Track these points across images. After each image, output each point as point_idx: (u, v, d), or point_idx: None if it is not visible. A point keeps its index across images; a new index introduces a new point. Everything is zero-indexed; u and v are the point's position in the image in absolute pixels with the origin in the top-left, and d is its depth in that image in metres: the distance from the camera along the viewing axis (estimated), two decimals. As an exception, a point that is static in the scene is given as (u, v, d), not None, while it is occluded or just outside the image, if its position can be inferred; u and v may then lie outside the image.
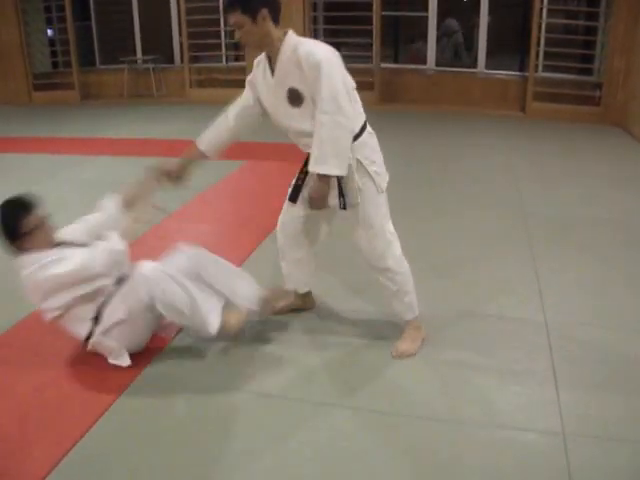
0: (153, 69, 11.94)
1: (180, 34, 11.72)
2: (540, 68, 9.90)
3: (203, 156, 3.40)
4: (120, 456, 2.59)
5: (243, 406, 2.91)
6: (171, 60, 12.28)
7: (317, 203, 3.01)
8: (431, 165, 6.76)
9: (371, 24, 10.40)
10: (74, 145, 8.43)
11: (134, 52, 12.36)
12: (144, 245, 4.77)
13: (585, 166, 7.16)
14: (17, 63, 11.93)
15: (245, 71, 11.12)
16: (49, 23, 12.47)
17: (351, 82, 2.97)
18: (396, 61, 11.57)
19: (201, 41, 11.67)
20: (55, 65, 12.67)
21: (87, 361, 3.24)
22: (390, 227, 3.16)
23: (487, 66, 10.49)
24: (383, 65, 10.69)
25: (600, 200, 5.87)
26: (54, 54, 12.58)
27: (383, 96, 10.63)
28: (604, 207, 5.67)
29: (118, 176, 6.78)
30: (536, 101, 9.78)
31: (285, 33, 2.99)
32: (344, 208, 3.04)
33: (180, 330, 3.46)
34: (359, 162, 2.98)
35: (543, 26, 9.68)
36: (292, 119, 3.02)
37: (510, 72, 10.56)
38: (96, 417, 2.79)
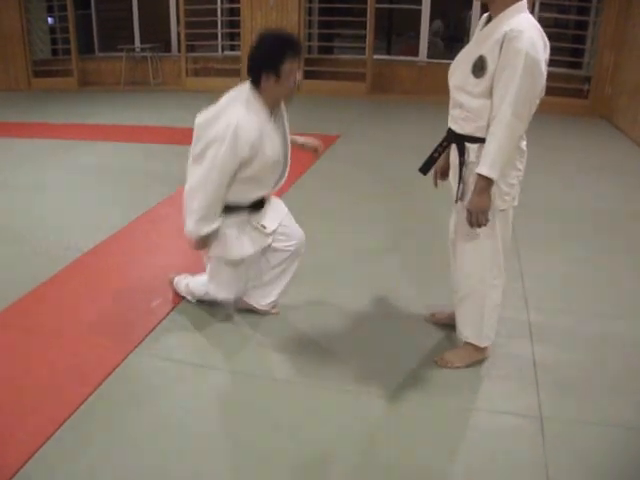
0: (151, 57, 12.09)
1: (178, 23, 11.86)
2: (531, 61, 10.02)
3: None
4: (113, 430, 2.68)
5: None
6: (168, 49, 12.43)
7: (478, 217, 2.72)
8: (422, 153, 6.76)
9: (365, 16, 10.56)
10: (71, 130, 8.55)
11: (132, 41, 12.51)
12: (137, 229, 4.93)
13: (570, 156, 7.31)
14: (17, 50, 12.07)
15: (240, 60, 11.29)
16: (50, 11, 12.60)
17: (543, 91, 2.63)
18: (389, 53, 11.71)
19: (198, 31, 11.80)
20: (55, 52, 12.82)
21: (83, 339, 3.34)
22: (489, 253, 2.90)
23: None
24: (376, 57, 10.84)
25: (583, 188, 6.03)
26: (54, 41, 12.73)
27: (375, 87, 10.80)
28: (586, 195, 5.82)
29: (114, 161, 6.96)
30: (526, 94, 9.90)
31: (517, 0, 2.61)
32: (456, 201, 2.89)
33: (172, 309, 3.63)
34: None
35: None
36: (461, 85, 2.74)
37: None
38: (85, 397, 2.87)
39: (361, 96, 10.71)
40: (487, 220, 2.74)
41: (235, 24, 11.75)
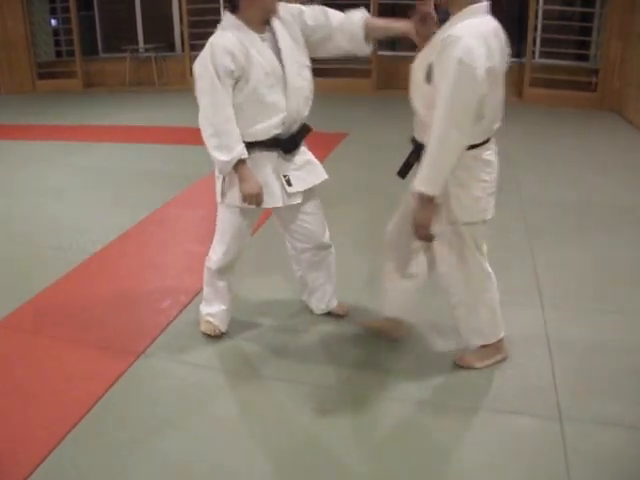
0: (155, 57, 12.05)
1: (181, 22, 11.82)
2: (537, 54, 9.98)
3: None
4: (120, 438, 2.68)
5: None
6: (172, 48, 12.39)
7: (419, 231, 2.65)
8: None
9: (368, 11, 10.41)
10: (77, 132, 8.53)
11: (136, 41, 12.47)
12: (143, 230, 4.90)
13: (581, 151, 7.21)
14: (21, 52, 12.06)
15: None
16: (53, 13, 12.59)
17: (484, 98, 2.49)
18: (393, 49, 11.63)
19: (202, 30, 11.75)
20: (59, 54, 12.80)
21: (88, 340, 3.33)
22: (466, 262, 2.83)
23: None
24: (380, 52, 10.77)
25: (593, 183, 5.94)
26: (58, 43, 12.72)
27: (381, 83, 10.75)
28: (599, 190, 5.73)
29: (120, 163, 6.94)
30: (533, 87, 9.85)
31: (475, 3, 2.55)
32: None
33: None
34: None
35: (540, 12, 9.75)
36: (416, 90, 2.68)
37: (507, 58, 10.60)
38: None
39: (367, 93, 10.66)
40: (431, 236, 2.65)
41: (239, 22, 11.65)
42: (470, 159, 2.62)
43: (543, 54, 9.99)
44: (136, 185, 6.10)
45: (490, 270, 2.91)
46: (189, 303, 3.67)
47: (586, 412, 2.72)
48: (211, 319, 3.33)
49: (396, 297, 3.16)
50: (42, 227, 4.94)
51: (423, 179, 2.53)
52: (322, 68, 11.30)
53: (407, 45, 4.02)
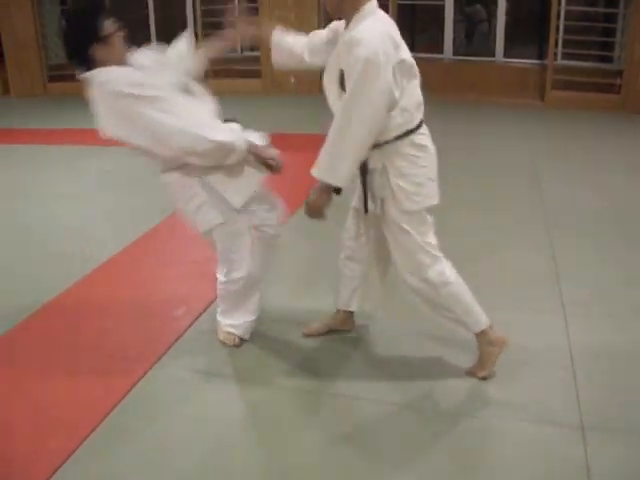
0: (168, 60, 11.89)
1: (195, 24, 11.68)
2: (559, 56, 9.78)
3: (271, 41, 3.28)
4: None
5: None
6: (186, 50, 12.24)
7: (312, 212, 2.78)
8: (448, 154, 6.60)
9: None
10: (89, 136, 8.33)
11: (149, 43, 12.28)
12: (157, 236, 4.77)
13: (605, 155, 7.03)
14: (32, 54, 11.95)
15: (260, 61, 11.10)
16: (64, 14, 12.47)
17: (392, 93, 2.57)
18: (412, 50, 11.47)
19: (216, 31, 11.61)
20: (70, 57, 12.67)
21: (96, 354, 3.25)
22: (419, 254, 2.83)
23: (506, 54, 10.36)
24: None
25: (620, 190, 5.77)
26: (69, 45, 12.59)
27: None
28: (624, 195, 5.60)
29: (133, 166, 6.78)
30: (555, 89, 9.65)
31: (366, 3, 2.63)
32: (366, 212, 2.86)
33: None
34: (384, 168, 2.74)
35: (562, 13, 9.55)
36: (335, 100, 2.76)
37: (529, 60, 10.43)
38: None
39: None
40: (322, 217, 2.76)
41: (253, 24, 11.52)
42: (407, 147, 2.71)
43: (565, 56, 9.78)
44: (150, 190, 5.90)
45: (442, 256, 2.89)
46: (203, 311, 3.64)
47: (609, 422, 2.70)
48: (233, 330, 3.25)
49: (347, 287, 3.19)
50: (55, 232, 4.96)
51: (316, 163, 2.65)
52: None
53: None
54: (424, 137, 2.78)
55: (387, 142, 2.68)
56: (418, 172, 2.74)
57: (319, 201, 2.72)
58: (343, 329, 3.34)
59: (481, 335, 2.96)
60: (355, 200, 3.02)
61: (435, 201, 2.83)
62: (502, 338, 2.99)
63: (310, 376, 3.04)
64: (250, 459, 2.51)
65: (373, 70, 2.47)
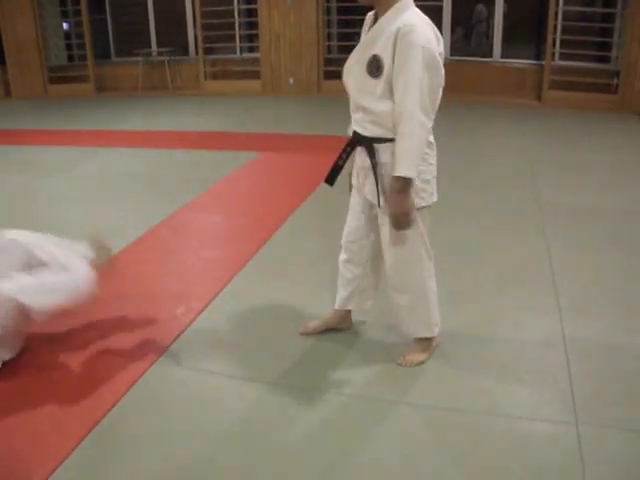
0: (168, 61, 11.94)
1: (194, 26, 11.72)
2: (557, 56, 9.82)
3: None
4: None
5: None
6: (186, 52, 12.29)
7: (402, 219, 2.68)
8: (445, 154, 6.63)
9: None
10: (90, 137, 8.45)
11: (149, 45, 12.38)
12: (157, 235, 4.79)
13: (601, 154, 7.06)
14: (33, 56, 11.99)
15: (259, 62, 11.14)
16: (64, 16, 12.53)
17: (441, 83, 2.62)
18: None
19: (215, 33, 11.66)
20: (71, 58, 12.73)
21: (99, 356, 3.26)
22: (420, 249, 2.86)
23: (503, 55, 10.41)
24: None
25: (616, 189, 5.79)
26: (69, 47, 12.65)
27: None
28: (620, 196, 5.60)
29: (133, 168, 6.86)
30: (553, 89, 9.70)
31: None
32: (379, 205, 2.78)
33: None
34: None
35: (559, 13, 9.58)
36: (359, 87, 2.71)
37: (526, 60, 10.48)
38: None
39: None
40: (411, 222, 2.71)
41: (253, 25, 11.59)
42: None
43: (563, 56, 9.81)
44: (150, 190, 6.01)
45: (432, 257, 2.94)
46: (203, 310, 3.62)
47: (603, 418, 2.68)
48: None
49: (346, 288, 3.19)
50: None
51: (405, 164, 2.58)
52: (338, 71, 11.19)
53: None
54: (431, 135, 2.77)
55: None
56: (427, 169, 2.75)
57: (407, 203, 2.66)
58: (341, 327, 3.36)
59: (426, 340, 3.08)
60: (355, 199, 3.00)
61: (436, 198, 2.85)
62: (437, 340, 3.13)
63: (308, 374, 3.03)
64: (250, 458, 2.50)
65: (429, 58, 2.49)
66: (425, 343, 3.09)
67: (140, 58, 12.02)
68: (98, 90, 12.21)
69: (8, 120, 10.03)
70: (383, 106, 2.61)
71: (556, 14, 9.53)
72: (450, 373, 3.02)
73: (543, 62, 9.76)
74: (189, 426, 2.68)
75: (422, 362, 3.05)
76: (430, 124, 2.59)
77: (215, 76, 11.91)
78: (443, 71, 2.58)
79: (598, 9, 10.70)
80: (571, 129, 8.41)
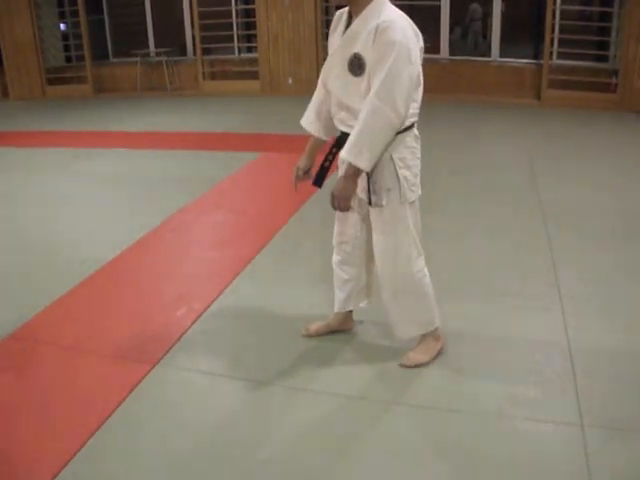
0: (166, 62, 11.93)
1: (192, 26, 11.72)
2: (555, 55, 9.82)
3: (318, 140, 3.10)
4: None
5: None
6: (184, 53, 12.28)
7: (340, 203, 2.72)
8: (444, 153, 6.69)
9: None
10: (88, 138, 8.45)
11: (147, 45, 12.37)
12: (158, 237, 4.79)
13: (601, 154, 7.06)
14: (30, 58, 11.98)
15: (257, 62, 11.14)
16: (62, 17, 12.51)
17: (419, 79, 2.66)
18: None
19: (213, 33, 11.66)
20: (68, 59, 12.72)
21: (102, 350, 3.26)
22: (410, 246, 2.86)
23: (502, 54, 10.41)
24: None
25: (616, 187, 5.79)
26: (67, 48, 12.64)
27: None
28: (620, 193, 5.61)
29: (133, 169, 6.85)
30: (551, 89, 9.69)
31: None
32: (370, 204, 2.80)
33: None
34: (391, 159, 2.71)
35: (557, 13, 9.58)
36: (343, 87, 2.72)
37: (525, 60, 10.48)
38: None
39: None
40: (349, 207, 2.76)
41: (251, 25, 11.58)
42: (412, 138, 2.77)
43: (561, 55, 9.82)
44: (150, 191, 6.00)
45: (422, 250, 2.95)
46: (204, 311, 3.63)
47: (608, 419, 2.66)
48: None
49: (343, 290, 3.20)
50: (56, 235, 4.93)
51: (353, 151, 2.60)
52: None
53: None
54: (415, 129, 2.81)
55: (398, 132, 2.67)
56: (416, 163, 2.81)
57: (348, 189, 2.70)
58: (343, 329, 3.36)
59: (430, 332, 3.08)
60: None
61: (420, 192, 2.87)
62: (442, 337, 3.13)
63: (308, 375, 3.03)
64: (250, 459, 2.49)
65: (405, 54, 2.50)
66: (428, 345, 3.08)
67: (138, 59, 12.01)
68: (96, 91, 12.20)
69: (6, 121, 10.04)
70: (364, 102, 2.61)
71: (554, 13, 9.52)
72: (452, 374, 3.01)
73: (542, 61, 9.75)
74: (191, 427, 2.68)
75: (421, 364, 3.04)
76: (396, 118, 2.57)
77: (214, 76, 11.89)
78: (418, 68, 2.60)
79: (596, 8, 10.70)
80: (570, 128, 8.42)
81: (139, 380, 2.99)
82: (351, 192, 2.71)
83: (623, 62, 9.27)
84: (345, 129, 2.76)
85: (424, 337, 3.08)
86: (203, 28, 11.46)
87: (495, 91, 10.11)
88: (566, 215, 5.06)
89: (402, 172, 2.73)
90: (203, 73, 11.72)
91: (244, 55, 11.82)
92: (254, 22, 11.27)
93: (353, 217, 2.99)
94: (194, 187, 5.91)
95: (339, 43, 2.72)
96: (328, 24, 11.44)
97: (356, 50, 2.60)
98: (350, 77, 2.65)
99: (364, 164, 2.61)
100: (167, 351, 3.23)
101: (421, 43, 2.66)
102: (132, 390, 2.91)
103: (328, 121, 2.96)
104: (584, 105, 9.37)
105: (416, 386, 2.94)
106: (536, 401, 2.80)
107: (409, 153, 2.76)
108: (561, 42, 9.75)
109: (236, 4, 11.72)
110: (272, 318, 3.56)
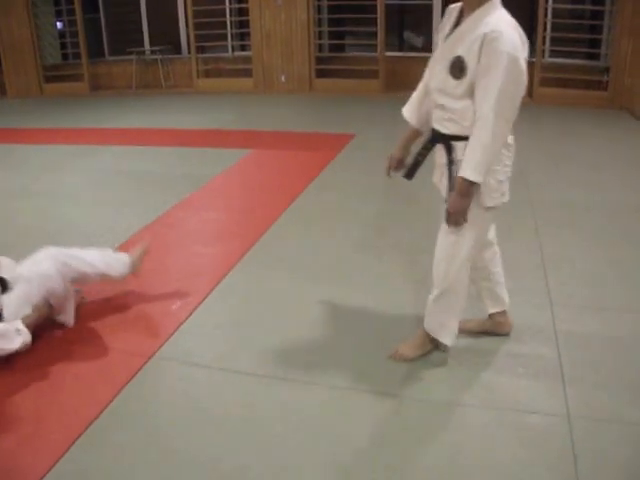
0: (161, 60, 12.01)
1: (187, 25, 11.78)
2: (547, 53, 9.89)
3: (417, 132, 3.07)
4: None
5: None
6: (178, 51, 12.35)
7: (457, 219, 2.69)
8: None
9: (375, 13, 10.42)
10: (84, 135, 8.49)
11: (142, 43, 12.43)
12: (152, 235, 4.81)
13: (592, 150, 7.12)
14: (28, 56, 12.04)
15: (251, 60, 11.20)
16: (58, 16, 12.56)
17: (523, 90, 2.56)
18: (400, 49, 11.56)
19: (208, 32, 11.72)
20: (65, 57, 12.78)
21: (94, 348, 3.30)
22: (469, 252, 2.84)
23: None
24: (388, 53, 10.71)
25: (607, 184, 5.84)
26: (64, 46, 12.70)
27: (388, 84, 10.67)
28: (610, 189, 5.65)
29: (128, 166, 6.90)
30: (543, 87, 9.76)
31: None
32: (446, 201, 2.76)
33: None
34: None
35: (549, 11, 9.65)
36: (441, 87, 2.67)
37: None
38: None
39: (375, 94, 10.57)
40: (465, 221, 2.70)
41: (244, 24, 11.65)
42: None
43: (553, 53, 9.90)
44: (144, 188, 6.05)
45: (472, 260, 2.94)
46: (199, 305, 3.66)
47: (595, 409, 2.69)
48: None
49: (488, 293, 3.23)
50: (51, 231, 4.92)
51: (473, 166, 2.56)
52: (329, 69, 11.30)
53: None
54: (512, 137, 2.75)
55: None
56: (502, 170, 2.73)
57: (465, 206, 2.65)
58: (499, 332, 3.26)
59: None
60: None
61: (506, 199, 2.83)
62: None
63: (307, 370, 3.04)
64: (249, 454, 2.49)
65: (515, 65, 2.45)
66: (420, 341, 3.07)
67: (134, 57, 12.08)
68: (92, 89, 12.27)
69: (3, 119, 10.08)
70: (461, 105, 2.59)
71: (546, 11, 9.60)
72: (443, 366, 3.02)
73: (534, 59, 9.76)
74: (186, 421, 2.69)
75: (407, 359, 3.04)
76: (507, 130, 2.57)
77: (208, 74, 11.96)
78: (526, 77, 2.53)
79: (587, 6, 10.76)
80: (562, 126, 8.46)
81: (134, 373, 2.99)
82: (467, 207, 2.66)
83: (614, 60, 9.34)
84: (438, 127, 2.76)
85: (424, 335, 3.06)
86: (197, 27, 11.52)
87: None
88: (556, 211, 5.09)
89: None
90: (197, 71, 11.78)
91: (238, 53, 11.88)
92: (247, 20, 11.34)
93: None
94: (189, 183, 5.97)
95: (445, 41, 2.67)
96: (321, 23, 11.51)
97: (459, 53, 2.54)
98: (450, 79, 2.60)
99: (481, 178, 2.58)
100: (162, 344, 3.24)
101: (526, 52, 2.56)
102: (127, 383, 2.92)
103: (429, 115, 2.90)
104: (576, 103, 9.45)
105: (405, 378, 2.93)
106: (523, 392, 2.82)
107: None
108: (553, 40, 9.82)
109: (230, 3, 11.79)
110: (266, 311, 3.60)
